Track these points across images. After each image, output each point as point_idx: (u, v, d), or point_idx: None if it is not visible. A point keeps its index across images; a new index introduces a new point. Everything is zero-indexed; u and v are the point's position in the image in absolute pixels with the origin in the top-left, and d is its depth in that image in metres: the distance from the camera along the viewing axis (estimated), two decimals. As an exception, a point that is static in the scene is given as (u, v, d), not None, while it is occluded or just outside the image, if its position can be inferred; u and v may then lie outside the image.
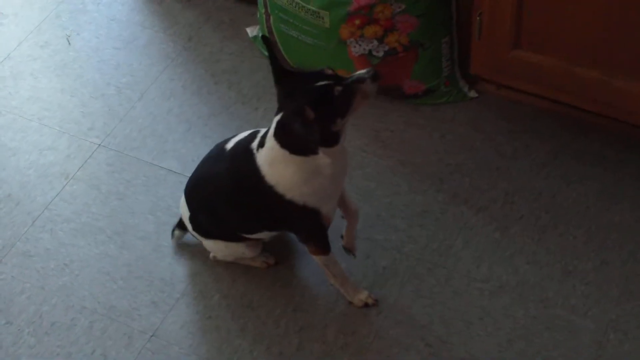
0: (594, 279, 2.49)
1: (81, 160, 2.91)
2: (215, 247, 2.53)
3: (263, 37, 2.18)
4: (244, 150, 2.27)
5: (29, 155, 2.94)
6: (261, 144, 2.21)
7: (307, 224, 2.30)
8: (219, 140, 2.79)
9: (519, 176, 2.72)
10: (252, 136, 2.29)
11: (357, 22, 2.71)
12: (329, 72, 2.13)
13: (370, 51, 2.78)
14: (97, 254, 2.68)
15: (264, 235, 2.47)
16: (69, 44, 3.26)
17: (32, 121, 3.04)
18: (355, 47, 2.78)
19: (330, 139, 2.13)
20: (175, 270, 2.62)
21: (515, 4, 2.52)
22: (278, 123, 2.14)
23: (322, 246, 2.36)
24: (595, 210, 2.62)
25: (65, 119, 3.03)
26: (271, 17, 2.92)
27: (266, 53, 3.08)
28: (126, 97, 3.07)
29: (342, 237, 2.55)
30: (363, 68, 2.76)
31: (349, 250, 2.55)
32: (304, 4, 2.74)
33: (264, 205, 2.26)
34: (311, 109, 2.04)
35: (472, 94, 2.92)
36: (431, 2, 2.69)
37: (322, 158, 2.15)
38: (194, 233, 2.55)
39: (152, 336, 2.50)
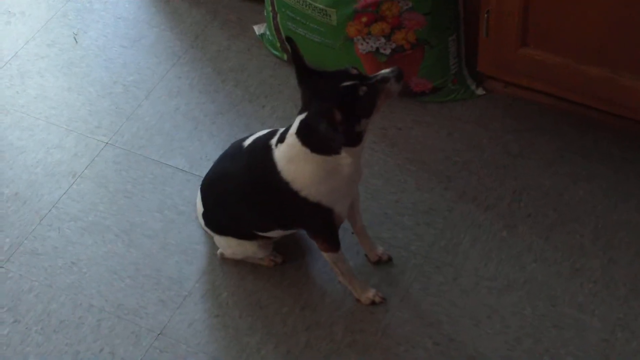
0: (601, 277, 2.48)
1: (88, 158, 2.91)
2: (226, 245, 2.53)
3: (287, 37, 2.17)
4: (262, 146, 2.26)
5: (36, 154, 2.95)
6: (281, 140, 2.20)
7: (319, 222, 2.29)
8: (226, 138, 2.80)
9: (526, 174, 2.72)
10: (271, 134, 2.28)
11: (364, 19, 2.71)
12: (354, 71, 2.11)
13: (377, 49, 2.77)
14: (104, 252, 2.68)
15: (277, 233, 2.47)
16: (76, 42, 3.26)
17: (39, 120, 3.04)
18: (362, 44, 2.78)
19: (354, 139, 2.12)
20: (183, 269, 2.62)
21: (522, 2, 2.52)
22: (302, 122, 2.13)
23: (333, 243, 2.36)
24: (603, 209, 2.62)
25: (72, 118, 3.03)
26: (278, 15, 2.92)
27: (274, 52, 3.09)
28: (133, 95, 3.07)
29: (366, 256, 2.56)
30: (370, 66, 2.79)
31: (379, 260, 2.55)
32: (311, 2, 2.74)
33: (277, 201, 2.26)
34: (339, 111, 2.03)
35: (480, 91, 2.92)
36: (438, -1, 2.69)
37: (344, 158, 2.14)
38: (206, 228, 2.56)
39: (159, 334, 2.50)
